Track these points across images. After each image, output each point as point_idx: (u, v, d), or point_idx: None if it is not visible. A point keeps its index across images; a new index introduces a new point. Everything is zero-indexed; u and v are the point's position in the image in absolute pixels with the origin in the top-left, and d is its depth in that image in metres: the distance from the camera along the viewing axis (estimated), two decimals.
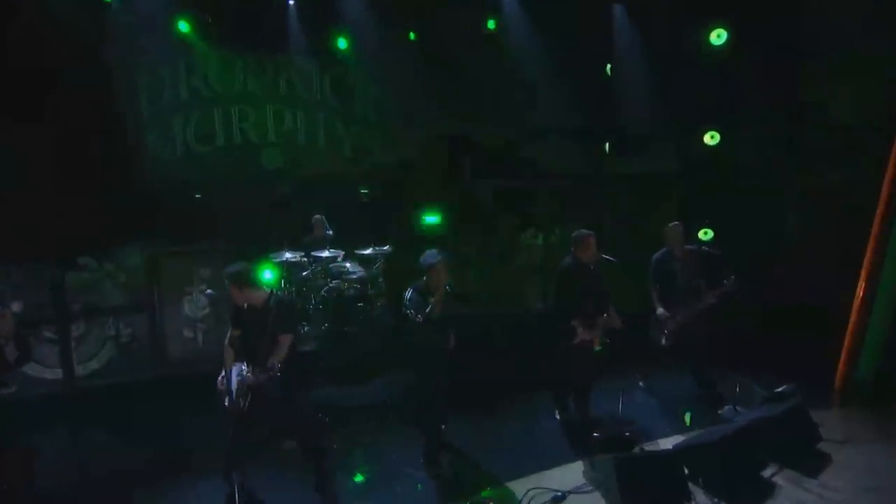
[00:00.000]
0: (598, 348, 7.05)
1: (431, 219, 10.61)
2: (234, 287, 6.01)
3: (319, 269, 9.94)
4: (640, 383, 8.32)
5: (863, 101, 8.99)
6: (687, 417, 7.67)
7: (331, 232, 10.38)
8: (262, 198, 10.82)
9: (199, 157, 11.16)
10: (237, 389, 5.80)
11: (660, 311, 7.78)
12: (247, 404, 5.91)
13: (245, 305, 5.93)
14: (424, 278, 6.46)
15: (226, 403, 5.99)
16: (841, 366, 8.04)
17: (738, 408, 7.47)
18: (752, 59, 9.84)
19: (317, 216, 10.36)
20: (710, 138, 10.34)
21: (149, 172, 10.68)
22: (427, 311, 6.29)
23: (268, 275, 9.52)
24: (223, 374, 5.90)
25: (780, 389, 7.44)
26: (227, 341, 6.10)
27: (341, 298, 9.69)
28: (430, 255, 6.44)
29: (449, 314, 6.48)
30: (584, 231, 6.95)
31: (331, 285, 9.80)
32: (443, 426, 6.86)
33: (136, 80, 10.53)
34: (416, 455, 6.80)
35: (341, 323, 9.62)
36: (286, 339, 5.88)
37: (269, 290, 6.04)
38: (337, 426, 7.24)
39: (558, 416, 7.37)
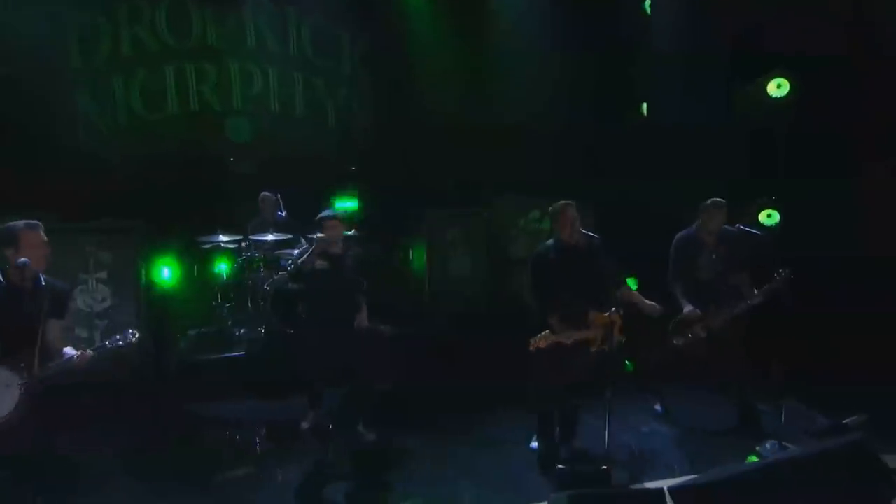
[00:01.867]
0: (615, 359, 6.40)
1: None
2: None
3: (260, 256, 9.28)
4: (657, 406, 7.64)
5: None
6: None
7: (284, 213, 9.79)
8: (215, 173, 10.49)
9: (146, 127, 10.68)
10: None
11: (687, 309, 7.11)
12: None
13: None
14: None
15: None
16: None
17: (785, 443, 6.60)
18: None
19: (266, 193, 9.81)
20: (777, 87, 8.81)
21: (81, 143, 10.28)
22: (300, 261, 6.68)
23: (165, 273, 9.29)
24: None
25: (848, 420, 6.80)
26: None
27: (285, 294, 8.72)
28: (324, 211, 7.01)
29: (343, 274, 6.86)
30: (563, 202, 6.46)
31: (275, 278, 8.90)
32: (359, 429, 6.94)
33: (63, 27, 10.02)
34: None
35: (284, 325, 8.78)
36: (58, 328, 5.24)
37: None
38: (249, 445, 7.18)
39: (535, 444, 6.75)
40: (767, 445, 6.70)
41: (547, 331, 6.03)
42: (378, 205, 10.64)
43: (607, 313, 6.31)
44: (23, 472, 5.07)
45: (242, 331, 9.17)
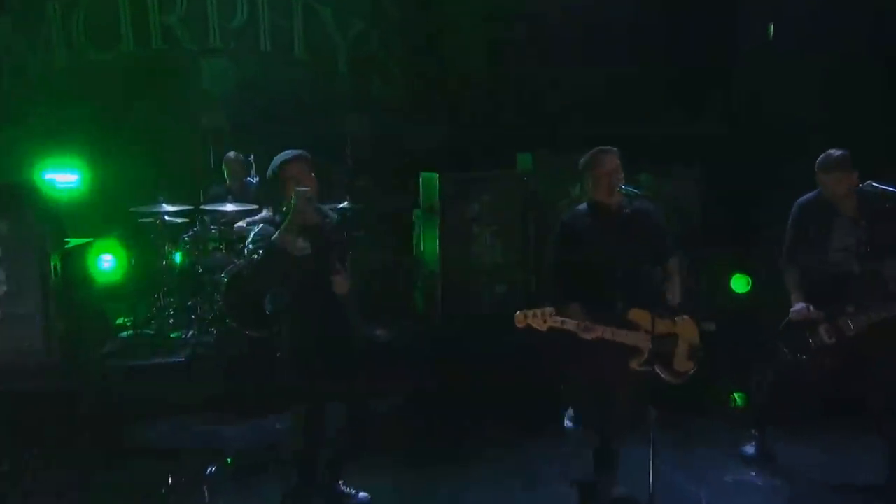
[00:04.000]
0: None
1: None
2: None
3: (214, 233, 8.99)
4: (748, 447, 6.95)
5: None
6: None
7: (256, 179, 9.54)
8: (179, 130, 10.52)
9: (91, 70, 10.55)
10: None
11: (798, 306, 6.53)
12: None
13: None
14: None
15: None
16: None
17: None
18: None
19: (231, 154, 9.58)
20: None
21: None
22: (273, 238, 5.64)
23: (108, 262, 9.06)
24: None
25: None
26: None
27: (245, 283, 8.33)
28: (282, 156, 5.79)
29: (328, 251, 5.87)
30: (598, 148, 6.01)
31: (236, 263, 8.70)
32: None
33: None
34: None
35: (242, 325, 8.54)
36: None
37: None
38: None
39: (569, 423, 6.90)
40: None
41: (552, 308, 5.53)
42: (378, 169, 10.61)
43: (669, 318, 5.87)
44: None
45: (190, 333, 8.91)
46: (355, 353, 6.09)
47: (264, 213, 8.45)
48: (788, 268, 6.69)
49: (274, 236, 5.60)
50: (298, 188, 5.53)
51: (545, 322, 5.49)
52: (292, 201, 5.53)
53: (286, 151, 5.77)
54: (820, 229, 6.56)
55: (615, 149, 5.94)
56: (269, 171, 5.81)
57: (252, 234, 5.93)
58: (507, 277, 9.69)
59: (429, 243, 9.82)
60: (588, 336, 5.59)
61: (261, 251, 5.70)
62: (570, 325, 5.56)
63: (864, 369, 6.45)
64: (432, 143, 10.73)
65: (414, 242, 10.24)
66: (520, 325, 5.53)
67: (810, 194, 6.63)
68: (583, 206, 6.08)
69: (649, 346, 5.70)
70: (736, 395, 7.48)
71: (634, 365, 5.72)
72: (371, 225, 9.99)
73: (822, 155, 6.43)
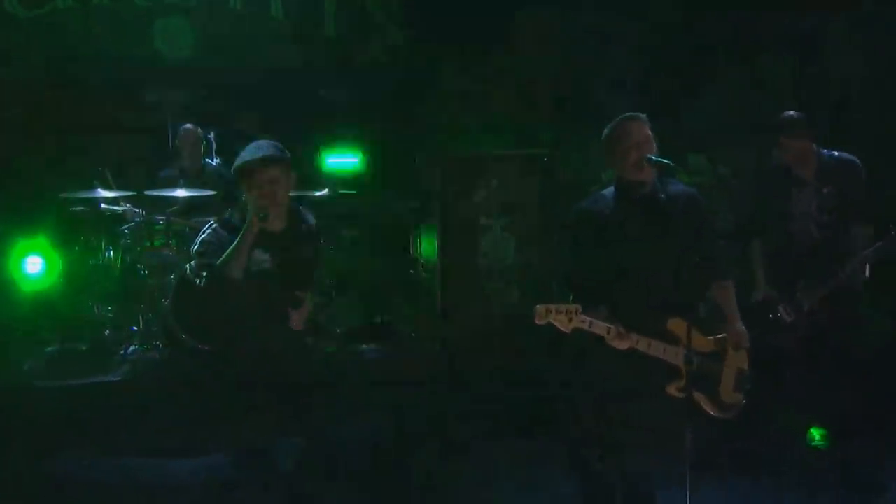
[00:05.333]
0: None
1: None
2: None
3: (160, 225, 8.62)
4: None
5: None
6: None
7: (217, 161, 9.38)
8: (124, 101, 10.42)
9: (19, 30, 10.30)
10: None
11: (757, 290, 7.16)
12: None
13: None
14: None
15: None
16: None
17: None
18: None
19: (188, 126, 9.33)
20: None
21: None
22: (219, 263, 5.63)
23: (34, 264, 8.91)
24: None
25: None
26: None
27: (197, 288, 7.68)
28: (247, 154, 5.72)
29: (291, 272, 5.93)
30: (625, 116, 5.78)
31: (191, 264, 7.99)
32: None
33: None
34: None
35: (193, 336, 8.00)
36: None
37: None
38: None
39: None
40: None
41: (578, 306, 5.28)
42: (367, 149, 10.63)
43: (713, 334, 5.70)
44: None
45: (131, 348, 8.52)
46: (311, 379, 6.11)
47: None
48: (748, 242, 7.10)
49: (220, 260, 5.52)
50: (257, 206, 5.45)
51: (570, 321, 5.20)
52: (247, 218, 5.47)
53: (255, 146, 5.64)
54: (781, 195, 6.93)
55: (644, 116, 5.65)
56: (233, 169, 5.72)
57: (199, 238, 5.81)
58: (522, 281, 9.44)
59: (426, 238, 9.67)
60: (620, 345, 5.35)
61: (205, 275, 5.68)
62: (600, 328, 5.31)
63: (823, 347, 6.78)
64: (432, 117, 10.71)
65: (409, 237, 10.12)
66: (539, 322, 5.25)
67: (771, 165, 7.12)
68: (608, 189, 5.81)
69: (688, 367, 5.46)
70: (814, 431, 7.18)
71: (673, 390, 5.46)
72: (356, 217, 10.00)
73: (786, 114, 6.83)
